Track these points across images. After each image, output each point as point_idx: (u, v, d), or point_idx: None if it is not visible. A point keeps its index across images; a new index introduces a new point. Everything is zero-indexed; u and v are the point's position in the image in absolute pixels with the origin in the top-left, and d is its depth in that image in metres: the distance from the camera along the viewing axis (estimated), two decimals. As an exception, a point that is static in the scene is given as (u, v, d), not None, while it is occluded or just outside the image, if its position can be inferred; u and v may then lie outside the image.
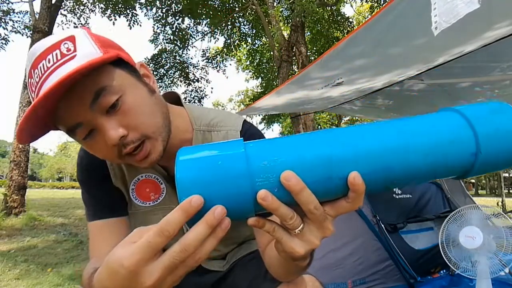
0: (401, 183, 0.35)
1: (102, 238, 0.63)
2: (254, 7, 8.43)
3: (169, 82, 11.49)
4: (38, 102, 0.44)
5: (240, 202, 0.33)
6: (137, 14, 9.53)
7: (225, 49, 11.69)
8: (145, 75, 0.58)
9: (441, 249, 1.96)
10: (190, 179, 0.32)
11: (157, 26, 10.57)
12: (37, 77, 0.48)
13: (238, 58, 14.06)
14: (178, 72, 11.54)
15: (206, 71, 12.16)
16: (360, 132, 0.35)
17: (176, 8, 10.23)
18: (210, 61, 12.09)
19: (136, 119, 0.51)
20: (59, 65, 0.47)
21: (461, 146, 0.34)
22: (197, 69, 12.11)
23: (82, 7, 9.41)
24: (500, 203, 10.88)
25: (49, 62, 0.47)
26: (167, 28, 10.65)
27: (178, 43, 10.98)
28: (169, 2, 10.07)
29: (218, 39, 12.21)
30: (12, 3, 8.10)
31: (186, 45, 11.12)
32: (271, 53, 10.02)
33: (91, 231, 0.65)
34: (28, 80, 0.51)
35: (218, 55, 12.22)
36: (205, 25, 11.09)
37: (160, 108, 0.56)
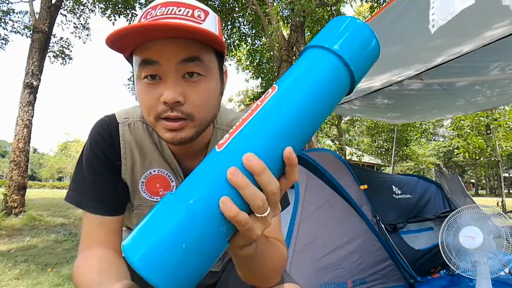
0: (315, 129, 0.40)
1: (97, 234, 0.62)
2: (254, 7, 8.43)
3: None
4: (153, 24, 0.49)
5: (215, 238, 0.33)
6: (137, 14, 9.48)
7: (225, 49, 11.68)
8: (225, 75, 0.64)
9: (441, 249, 1.96)
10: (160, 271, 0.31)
11: (157, 26, 10.54)
12: (160, 13, 0.53)
13: (238, 58, 14.03)
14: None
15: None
16: (277, 112, 0.37)
17: (176, 8, 10.20)
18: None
19: (198, 100, 0.55)
20: (186, 19, 0.53)
21: (342, 81, 0.40)
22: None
23: (82, 7, 9.39)
24: (500, 203, 10.88)
25: (179, 12, 0.53)
26: (167, 28, 10.63)
27: (178, 43, 10.96)
28: (169, 2, 10.04)
29: (218, 39, 12.16)
30: (12, 3, 8.09)
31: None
32: (271, 53, 10.02)
33: (88, 223, 0.64)
34: (146, 9, 0.55)
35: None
36: (205, 25, 11.08)
37: (217, 108, 0.61)
